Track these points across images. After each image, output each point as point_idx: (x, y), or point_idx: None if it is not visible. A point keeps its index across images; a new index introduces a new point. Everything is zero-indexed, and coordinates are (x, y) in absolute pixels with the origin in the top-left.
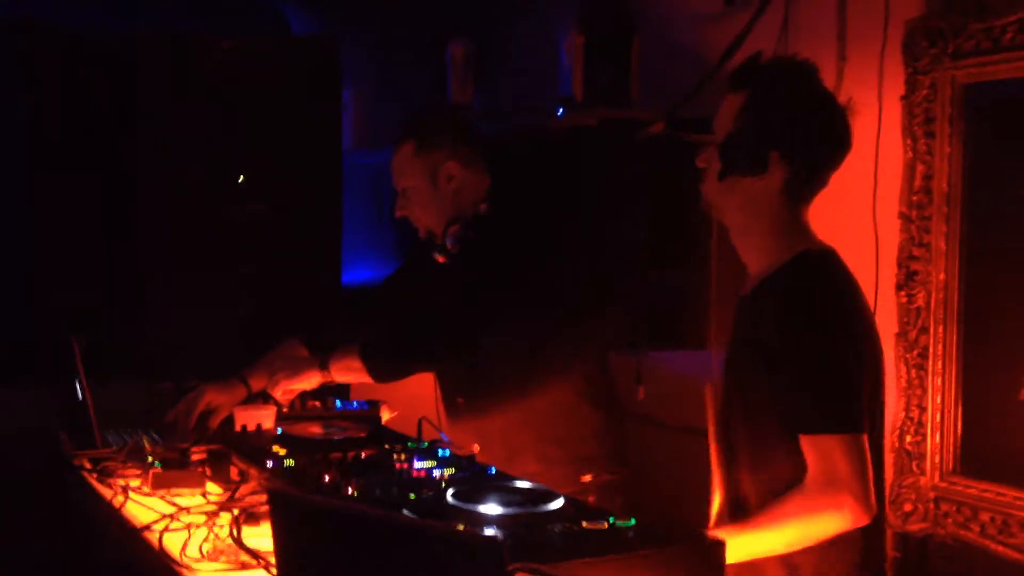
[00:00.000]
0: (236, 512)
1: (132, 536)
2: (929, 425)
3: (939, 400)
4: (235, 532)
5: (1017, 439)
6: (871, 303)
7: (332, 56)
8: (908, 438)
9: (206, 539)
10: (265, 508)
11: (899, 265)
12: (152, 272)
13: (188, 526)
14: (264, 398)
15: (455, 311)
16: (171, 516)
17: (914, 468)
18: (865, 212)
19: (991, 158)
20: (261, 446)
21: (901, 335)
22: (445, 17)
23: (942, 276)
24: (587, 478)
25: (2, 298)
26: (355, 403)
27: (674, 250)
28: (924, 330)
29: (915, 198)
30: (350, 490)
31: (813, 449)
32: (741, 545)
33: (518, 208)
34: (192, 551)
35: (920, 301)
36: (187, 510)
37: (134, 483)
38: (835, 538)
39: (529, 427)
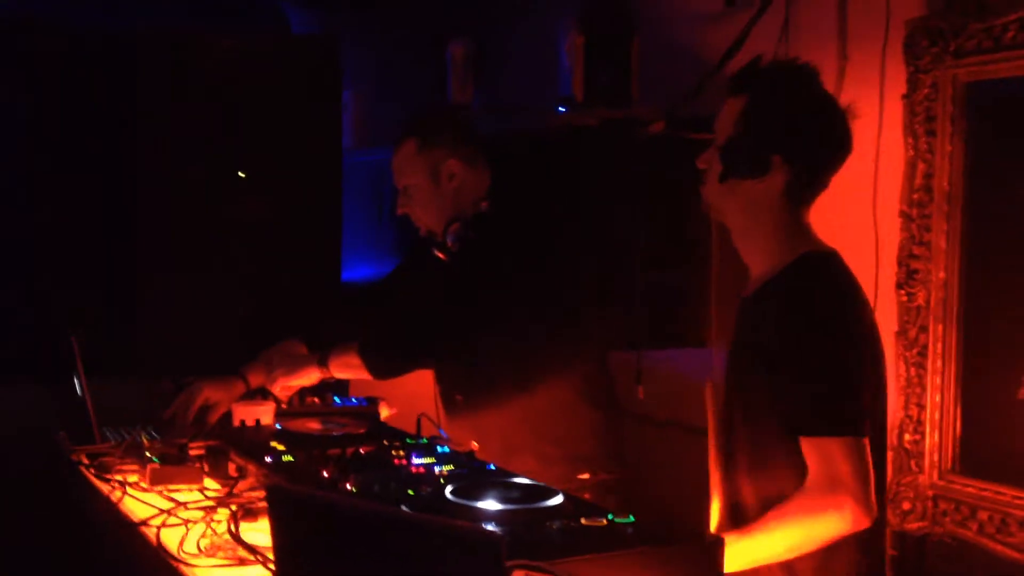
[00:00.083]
0: (234, 508)
1: (130, 531)
2: (928, 423)
3: (938, 398)
4: (233, 528)
5: (1016, 438)
6: (871, 301)
7: (332, 55)
8: (907, 436)
9: (204, 535)
10: (263, 504)
11: (899, 263)
12: (151, 270)
13: (186, 522)
14: (263, 394)
15: (454, 309)
16: (169, 512)
17: (913, 466)
18: (865, 210)
19: (992, 157)
20: (259, 442)
21: (901, 333)
22: (445, 17)
23: (942, 275)
24: (584, 477)
25: (2, 296)
26: (354, 399)
27: (674, 249)
28: (924, 328)
29: (916, 196)
30: (348, 486)
31: (814, 451)
32: (743, 552)
33: (518, 207)
34: (190, 547)
35: (920, 300)
36: (185, 506)
37: (132, 479)
38: (836, 541)
39: (527, 425)
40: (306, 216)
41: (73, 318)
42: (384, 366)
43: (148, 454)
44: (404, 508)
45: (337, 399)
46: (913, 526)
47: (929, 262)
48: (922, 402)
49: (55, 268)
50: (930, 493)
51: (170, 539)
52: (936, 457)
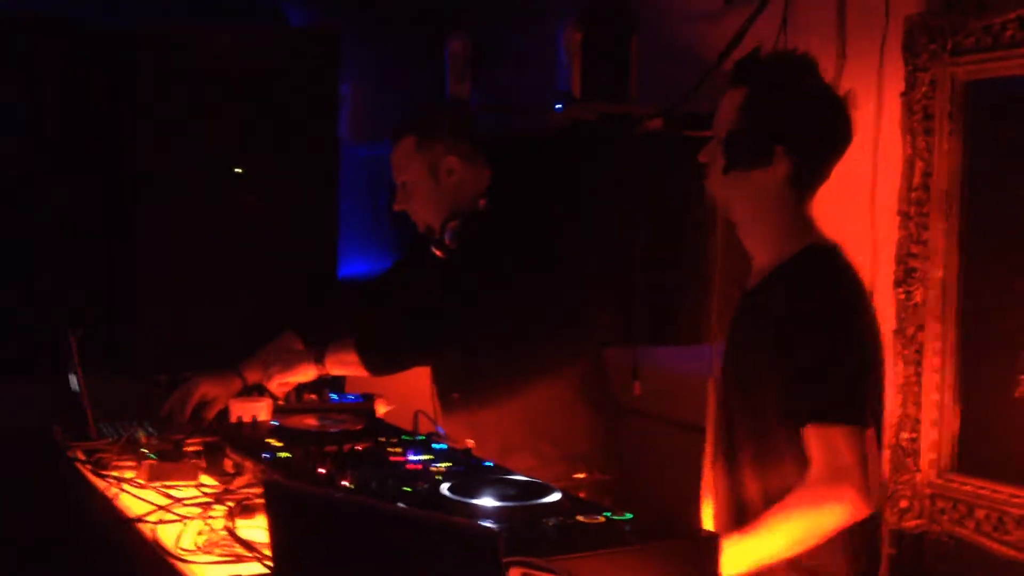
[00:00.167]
0: (231, 504)
1: (126, 528)
2: (926, 422)
3: (936, 397)
4: (230, 524)
5: (1013, 437)
6: None
7: (331, 49)
8: (904, 434)
9: (200, 531)
10: (260, 500)
11: (897, 262)
12: (150, 267)
13: (182, 518)
14: (259, 391)
15: (452, 307)
16: (165, 508)
17: (910, 465)
18: (863, 209)
19: (990, 155)
20: (256, 438)
21: (899, 332)
22: (444, 12)
23: (940, 273)
24: (581, 476)
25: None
26: (351, 396)
27: (672, 247)
28: (921, 327)
29: (914, 195)
30: (345, 483)
31: (818, 440)
32: (747, 552)
33: (516, 204)
34: (186, 543)
35: (918, 298)
36: (181, 502)
37: (128, 475)
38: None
39: (524, 423)
40: (303, 210)
41: (72, 316)
42: (380, 363)
43: (145, 450)
44: (401, 505)
45: (334, 396)
46: (911, 524)
47: (927, 261)
48: (920, 400)
49: (54, 267)
50: (928, 491)
51: (166, 535)
52: (934, 455)
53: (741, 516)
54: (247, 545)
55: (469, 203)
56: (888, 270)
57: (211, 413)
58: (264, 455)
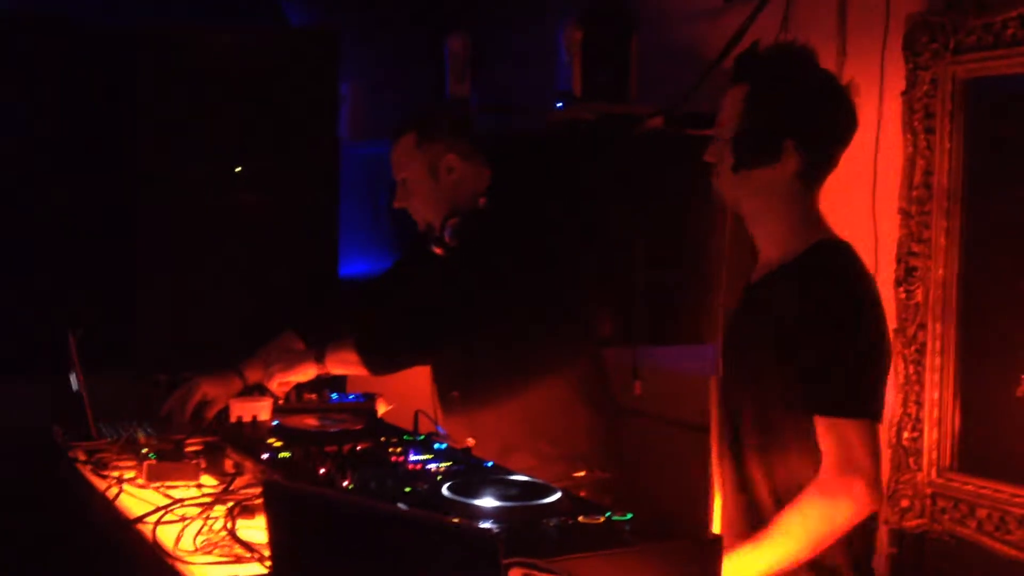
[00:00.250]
0: (231, 504)
1: (126, 528)
2: (926, 421)
3: (937, 396)
4: (230, 525)
5: (1015, 436)
6: None
7: (331, 49)
8: (905, 434)
9: (200, 531)
10: (260, 501)
11: (898, 261)
12: (148, 265)
13: (182, 518)
14: (260, 390)
15: (451, 305)
16: (165, 508)
17: (911, 464)
18: (864, 207)
19: (991, 154)
20: (257, 438)
21: (899, 331)
22: (443, 11)
23: (941, 272)
24: (580, 475)
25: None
26: (351, 396)
27: (672, 245)
28: (922, 326)
29: (915, 193)
30: (345, 483)
31: (831, 433)
32: (766, 557)
33: (516, 203)
34: (186, 544)
35: (919, 297)
36: (181, 502)
37: (128, 475)
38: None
39: (524, 423)
40: (303, 209)
41: (72, 316)
42: (381, 362)
43: (145, 450)
44: (401, 505)
45: (334, 395)
46: (912, 524)
47: (928, 259)
48: (920, 399)
49: (54, 267)
50: (929, 491)
51: (166, 536)
52: (935, 455)
53: (749, 510)
54: (247, 546)
55: (469, 201)
56: (889, 269)
57: (211, 413)
58: (264, 455)
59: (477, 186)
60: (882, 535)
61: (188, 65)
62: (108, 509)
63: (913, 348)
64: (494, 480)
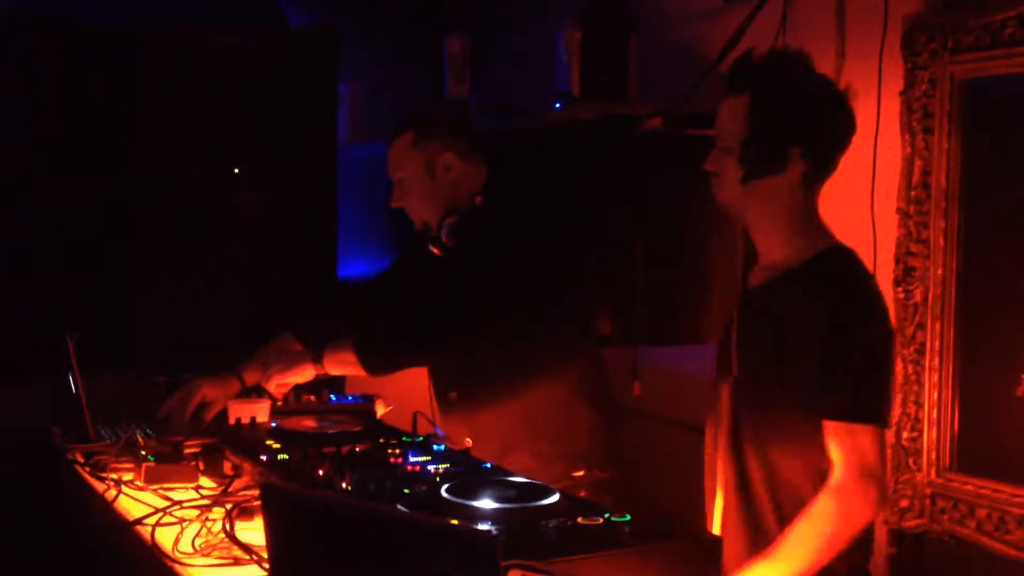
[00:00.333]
0: (229, 507)
1: (124, 530)
2: (926, 421)
3: (936, 396)
4: (228, 527)
5: (1014, 436)
6: None
7: (331, 49)
8: (904, 434)
9: (199, 534)
10: (258, 503)
11: (896, 260)
12: (148, 266)
13: (181, 520)
14: (258, 392)
15: (449, 305)
16: (164, 510)
17: (911, 464)
18: (863, 207)
19: (989, 154)
20: (255, 440)
21: (898, 331)
22: (443, 12)
23: (940, 272)
24: (579, 474)
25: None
26: (350, 397)
27: (672, 245)
28: (921, 326)
29: (913, 193)
30: (344, 484)
31: (845, 438)
32: (782, 568)
33: (514, 202)
34: (185, 546)
35: (917, 297)
36: (180, 504)
37: (127, 477)
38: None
39: (523, 423)
40: (302, 210)
41: (71, 316)
42: (379, 363)
43: (143, 452)
44: (400, 507)
45: (333, 397)
46: (911, 524)
47: (927, 259)
48: (920, 400)
49: (54, 267)
50: (928, 491)
51: (165, 538)
52: (934, 455)
53: (748, 514)
54: (245, 548)
55: (466, 200)
56: (888, 269)
57: (210, 415)
58: (263, 457)
59: (474, 185)
60: (882, 535)
61: (188, 65)
62: (107, 511)
63: (912, 348)
64: (493, 481)
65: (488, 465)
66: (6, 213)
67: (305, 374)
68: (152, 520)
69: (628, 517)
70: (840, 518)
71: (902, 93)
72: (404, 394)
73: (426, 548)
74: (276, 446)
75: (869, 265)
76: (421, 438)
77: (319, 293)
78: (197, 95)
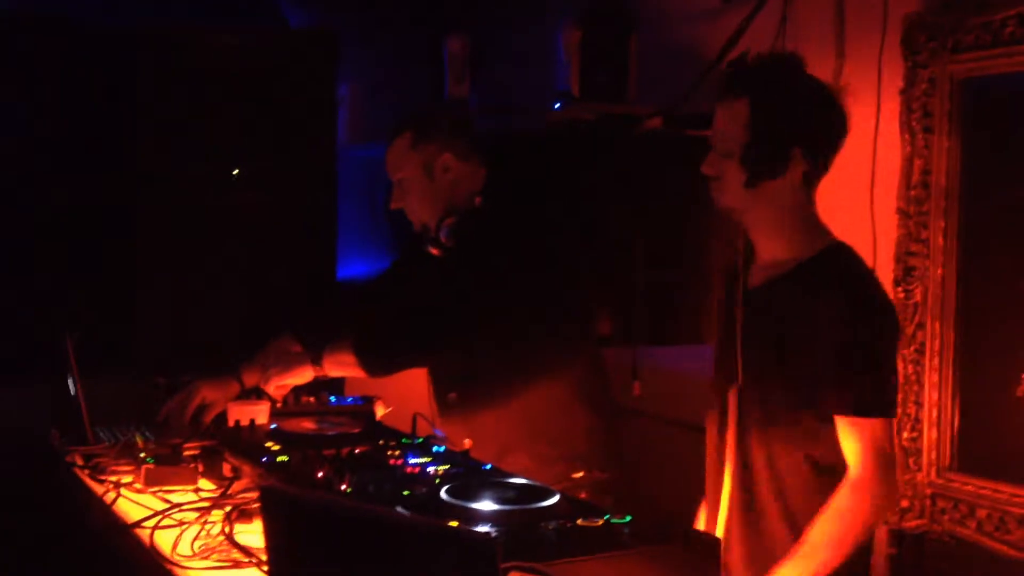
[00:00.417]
0: (229, 509)
1: (123, 533)
2: (926, 421)
3: (936, 396)
4: (227, 529)
5: (1014, 435)
6: None
7: (330, 49)
8: (905, 434)
9: (198, 536)
10: (258, 505)
11: (896, 260)
12: (148, 266)
13: (180, 523)
14: (258, 394)
15: (448, 306)
16: (163, 513)
17: (911, 464)
18: (863, 207)
19: (989, 153)
20: (254, 442)
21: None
22: (443, 12)
23: (939, 271)
24: (579, 475)
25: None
26: (349, 399)
27: (672, 245)
28: (921, 326)
29: (913, 193)
30: (344, 486)
31: (864, 432)
32: (808, 567)
33: (513, 202)
34: (184, 548)
35: (917, 296)
36: (179, 507)
37: (126, 479)
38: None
39: (522, 424)
40: (302, 213)
41: (71, 317)
42: (378, 364)
43: (142, 455)
44: (399, 509)
45: (332, 398)
46: (911, 524)
47: (927, 259)
48: (920, 400)
49: (54, 267)
50: (928, 491)
51: (164, 541)
52: (934, 455)
53: (750, 514)
54: (245, 551)
55: (465, 201)
56: (887, 268)
57: (209, 417)
58: (262, 459)
59: (473, 186)
60: (882, 535)
61: (188, 65)
62: (106, 514)
63: (912, 348)
64: (493, 483)
65: (488, 467)
66: (6, 213)
67: (304, 375)
68: (151, 522)
69: (628, 518)
70: (867, 511)
71: (902, 92)
72: (403, 395)
73: (425, 550)
74: (275, 448)
75: (869, 264)
76: (420, 439)
77: (319, 293)
78: (197, 95)
